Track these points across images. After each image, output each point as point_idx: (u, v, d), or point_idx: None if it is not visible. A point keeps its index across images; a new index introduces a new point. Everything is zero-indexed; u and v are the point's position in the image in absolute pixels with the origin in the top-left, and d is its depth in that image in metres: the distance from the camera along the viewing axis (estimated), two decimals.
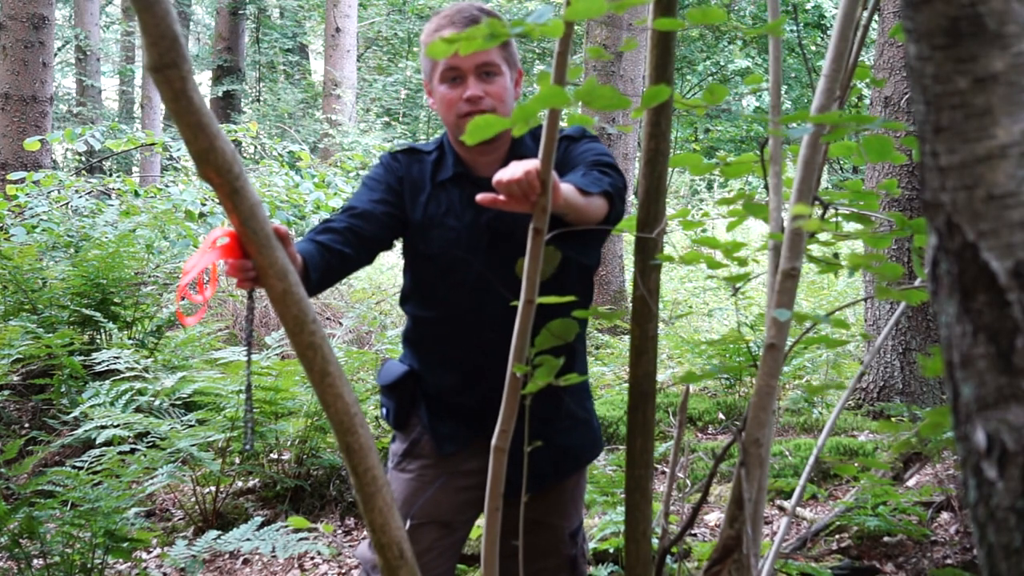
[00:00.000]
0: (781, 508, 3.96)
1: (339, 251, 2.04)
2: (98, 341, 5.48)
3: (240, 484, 4.38)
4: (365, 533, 2.47)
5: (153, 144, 7.69)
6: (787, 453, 4.38)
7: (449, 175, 2.20)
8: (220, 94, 17.12)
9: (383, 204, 2.17)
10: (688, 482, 3.90)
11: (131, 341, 5.43)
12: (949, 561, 3.29)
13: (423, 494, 2.22)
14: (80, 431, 3.99)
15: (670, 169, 1.95)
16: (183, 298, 1.85)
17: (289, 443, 4.37)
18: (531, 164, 1.62)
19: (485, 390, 2.16)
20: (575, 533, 2.32)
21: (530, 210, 1.62)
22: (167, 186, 7.35)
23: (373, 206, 2.15)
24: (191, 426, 4.11)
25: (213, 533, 3.26)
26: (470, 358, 2.20)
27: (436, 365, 2.26)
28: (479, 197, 1.76)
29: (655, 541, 2.37)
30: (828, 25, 14.79)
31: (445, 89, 2.13)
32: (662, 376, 5.65)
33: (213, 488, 4.12)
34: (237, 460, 4.22)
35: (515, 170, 1.63)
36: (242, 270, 1.65)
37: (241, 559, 3.80)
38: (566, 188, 1.82)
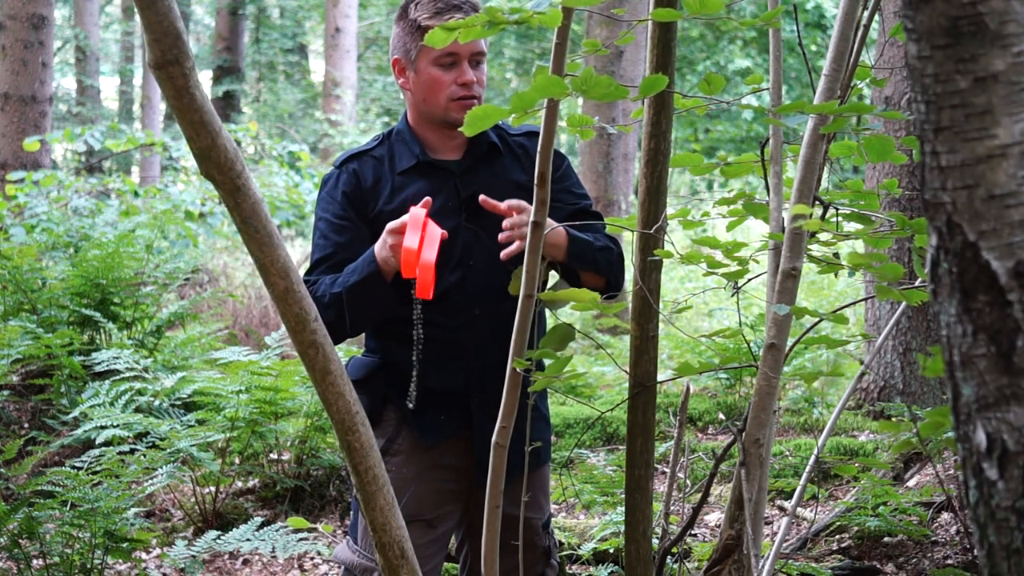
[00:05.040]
0: (781, 508, 3.96)
1: None
2: (98, 341, 5.47)
3: (240, 484, 4.37)
4: (353, 535, 2.46)
5: (153, 144, 7.69)
6: (787, 453, 4.38)
7: (412, 164, 2.22)
8: (220, 94, 17.10)
9: (352, 230, 2.19)
10: (688, 482, 3.90)
11: (131, 341, 5.42)
12: (949, 561, 3.28)
13: (405, 492, 2.20)
14: (80, 431, 3.99)
15: (670, 169, 1.95)
16: (413, 272, 1.95)
17: (289, 443, 4.37)
18: (527, 215, 1.77)
19: (470, 370, 2.19)
20: (546, 525, 2.36)
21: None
22: (167, 186, 7.35)
23: (348, 238, 2.18)
24: (191, 426, 4.10)
25: (213, 533, 3.25)
26: (455, 336, 2.20)
27: (423, 347, 2.22)
28: (482, 200, 1.81)
29: (655, 541, 2.37)
30: (828, 25, 14.78)
31: (439, 72, 2.14)
32: (662, 376, 5.64)
33: (213, 488, 4.11)
34: (237, 460, 4.22)
35: (522, 218, 1.89)
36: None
37: (241, 559, 3.80)
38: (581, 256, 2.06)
